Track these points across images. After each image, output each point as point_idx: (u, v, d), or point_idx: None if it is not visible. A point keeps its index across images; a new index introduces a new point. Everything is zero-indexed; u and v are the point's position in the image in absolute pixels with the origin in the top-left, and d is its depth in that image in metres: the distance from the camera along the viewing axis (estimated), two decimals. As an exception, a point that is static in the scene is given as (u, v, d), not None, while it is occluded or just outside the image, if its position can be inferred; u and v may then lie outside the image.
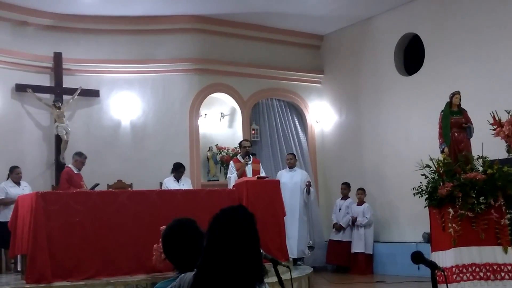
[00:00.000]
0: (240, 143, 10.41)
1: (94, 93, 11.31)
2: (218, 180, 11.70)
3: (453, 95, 7.90)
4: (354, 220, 11.53)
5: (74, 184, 9.39)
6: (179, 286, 2.55)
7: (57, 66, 11.03)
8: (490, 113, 9.01)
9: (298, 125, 13.04)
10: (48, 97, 10.93)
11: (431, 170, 7.40)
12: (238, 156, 10.36)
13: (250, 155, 10.06)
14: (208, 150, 11.87)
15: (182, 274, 2.62)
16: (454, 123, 7.76)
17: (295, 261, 10.38)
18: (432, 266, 3.12)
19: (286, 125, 12.89)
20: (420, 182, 7.45)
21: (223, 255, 2.39)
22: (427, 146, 8.91)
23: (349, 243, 11.55)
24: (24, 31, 10.93)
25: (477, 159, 7.48)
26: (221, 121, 12.31)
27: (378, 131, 11.84)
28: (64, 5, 10.81)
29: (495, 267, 6.97)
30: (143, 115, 11.63)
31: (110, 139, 11.37)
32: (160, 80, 11.72)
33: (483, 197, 7.03)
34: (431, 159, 7.43)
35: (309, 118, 13.09)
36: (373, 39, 12.10)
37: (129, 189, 10.37)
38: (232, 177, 9.90)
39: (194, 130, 11.70)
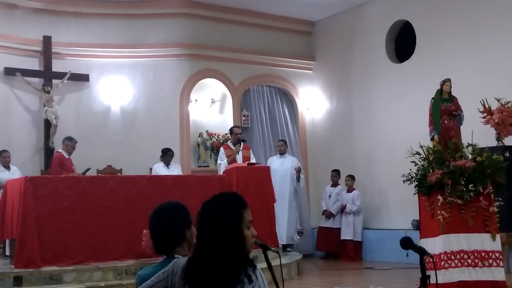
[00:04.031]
0: (231, 130, 10.37)
1: (84, 78, 11.24)
2: (208, 166, 11.69)
3: (444, 82, 7.89)
4: (343, 207, 11.56)
5: (65, 168, 9.37)
6: (173, 270, 2.56)
7: (47, 50, 10.93)
8: (480, 101, 9.03)
9: (288, 111, 13.02)
10: (37, 81, 10.86)
11: (421, 158, 7.41)
12: (229, 142, 10.34)
13: (241, 142, 10.05)
14: (199, 136, 11.85)
15: (176, 259, 2.63)
16: (445, 110, 7.76)
17: (284, 247, 10.44)
18: (421, 252, 3.13)
19: (277, 111, 12.87)
20: (410, 169, 7.46)
21: (215, 241, 2.41)
22: (417, 133, 8.93)
23: (338, 230, 11.60)
24: (13, 14, 10.82)
25: (467, 146, 7.49)
26: (211, 107, 12.27)
27: (369, 118, 11.85)
28: (53, -12, 10.72)
29: (483, 254, 7.01)
30: (133, 100, 11.57)
31: (100, 124, 11.31)
32: (151, 65, 11.66)
33: (472, 185, 7.05)
34: (421, 146, 7.44)
35: (300, 104, 13.07)
36: (364, 25, 12.08)
37: (119, 174, 10.35)
38: (222, 163, 9.89)
39: (184, 116, 11.65)
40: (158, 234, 3.06)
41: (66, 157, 9.62)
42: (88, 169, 9.49)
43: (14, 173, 9.58)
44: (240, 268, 2.40)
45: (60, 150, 9.75)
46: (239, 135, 10.06)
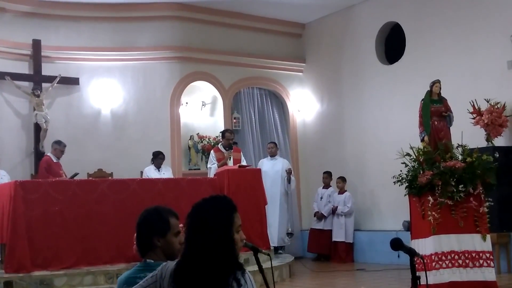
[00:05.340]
0: (223, 134, 10.32)
1: (74, 81, 11.19)
2: (199, 169, 11.67)
3: (433, 83, 7.91)
4: (334, 209, 11.58)
5: (53, 173, 9.29)
6: (161, 274, 2.54)
7: (36, 53, 10.88)
8: (470, 102, 9.09)
9: (279, 114, 13.04)
10: (27, 85, 10.80)
11: (411, 159, 7.43)
12: (219, 145, 10.32)
13: (232, 146, 10.04)
14: (190, 139, 11.83)
15: (164, 263, 2.62)
16: (434, 111, 7.78)
17: (276, 249, 10.43)
18: (411, 252, 3.15)
19: (268, 114, 12.88)
20: (401, 171, 7.48)
21: (204, 245, 2.40)
22: (408, 135, 8.94)
23: (330, 232, 11.60)
24: (2, 17, 10.77)
25: (457, 147, 7.52)
26: (202, 109, 12.26)
27: (359, 119, 11.88)
28: (42, -9, 10.68)
29: (473, 254, 7.04)
30: (123, 104, 11.54)
31: (90, 127, 11.27)
32: (141, 68, 11.64)
33: (462, 185, 7.08)
34: (411, 148, 7.46)
35: (290, 107, 13.09)
36: (354, 27, 12.11)
37: (110, 178, 10.31)
38: (213, 167, 9.88)
39: (175, 119, 11.64)
40: (139, 239, 3.09)
41: (55, 161, 9.53)
42: (76, 174, 9.36)
43: (3, 177, 9.51)
44: (229, 272, 2.39)
45: (49, 154, 9.68)
46: (230, 141, 10.03)
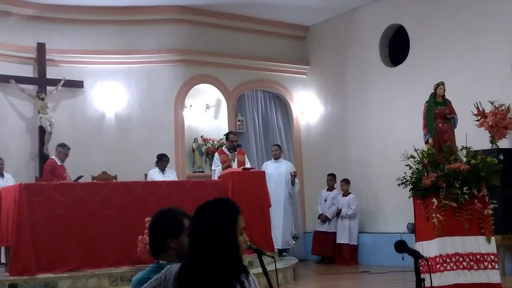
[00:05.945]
0: (227, 136, 10.33)
1: (78, 84, 11.22)
2: (203, 172, 11.68)
3: (438, 86, 7.90)
4: (339, 211, 11.57)
5: (57, 175, 9.31)
6: (166, 277, 2.55)
7: (41, 56, 10.92)
8: (474, 104, 9.08)
9: (283, 116, 13.04)
10: (31, 88, 10.83)
11: (416, 161, 7.42)
12: (223, 148, 10.33)
13: (236, 148, 10.04)
14: (194, 142, 11.84)
15: (168, 266, 2.62)
16: (438, 114, 7.77)
17: (280, 252, 10.42)
18: (415, 255, 3.14)
19: (271, 116, 12.88)
20: (405, 173, 7.47)
21: (208, 247, 2.40)
22: (412, 137, 8.95)
23: (334, 234, 11.59)
24: (7, 21, 10.81)
25: (461, 149, 7.50)
26: (206, 112, 12.27)
27: (363, 122, 11.88)
28: (47, -5, 10.71)
29: (478, 256, 7.02)
30: (127, 106, 11.56)
31: (95, 130, 11.29)
32: (145, 71, 11.66)
33: (466, 188, 7.06)
34: (416, 150, 7.45)
35: (294, 109, 13.08)
36: (358, 30, 12.11)
37: (114, 180, 10.32)
38: (217, 169, 9.88)
39: (179, 121, 11.65)
40: (153, 241, 3.09)
41: (59, 164, 9.55)
42: (80, 177, 9.38)
43: (8, 180, 9.55)
44: (233, 275, 2.39)
45: (53, 157, 9.70)
46: (234, 143, 10.04)
